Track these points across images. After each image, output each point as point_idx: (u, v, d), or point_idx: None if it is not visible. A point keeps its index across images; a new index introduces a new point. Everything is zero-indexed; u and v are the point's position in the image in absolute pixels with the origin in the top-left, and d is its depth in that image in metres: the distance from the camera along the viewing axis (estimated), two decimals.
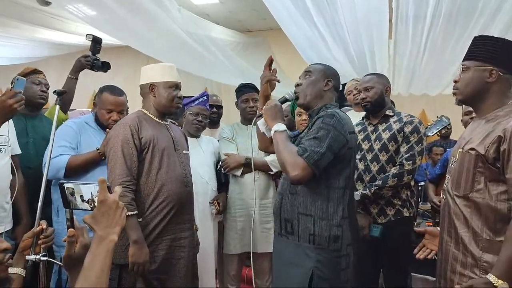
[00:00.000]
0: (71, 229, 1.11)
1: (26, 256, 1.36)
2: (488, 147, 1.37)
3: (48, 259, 1.39)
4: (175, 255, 1.87)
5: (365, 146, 2.24)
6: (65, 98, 2.30)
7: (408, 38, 3.50)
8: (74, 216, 1.15)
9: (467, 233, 1.42)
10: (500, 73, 1.41)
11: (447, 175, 1.57)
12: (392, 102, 2.54)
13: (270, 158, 2.45)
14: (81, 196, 1.11)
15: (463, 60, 1.49)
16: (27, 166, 2.19)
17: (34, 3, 4.11)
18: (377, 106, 2.22)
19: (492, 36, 1.49)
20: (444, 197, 1.58)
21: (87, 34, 2.42)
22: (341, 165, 1.57)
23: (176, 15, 3.48)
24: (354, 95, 2.82)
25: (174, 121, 2.21)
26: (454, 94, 1.57)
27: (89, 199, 1.10)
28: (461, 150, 1.49)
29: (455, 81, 1.52)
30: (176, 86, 1.93)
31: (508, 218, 1.34)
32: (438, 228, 1.60)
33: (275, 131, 1.59)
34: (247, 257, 2.59)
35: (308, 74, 1.70)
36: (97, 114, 2.22)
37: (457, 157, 1.50)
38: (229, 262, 2.56)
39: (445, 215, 1.55)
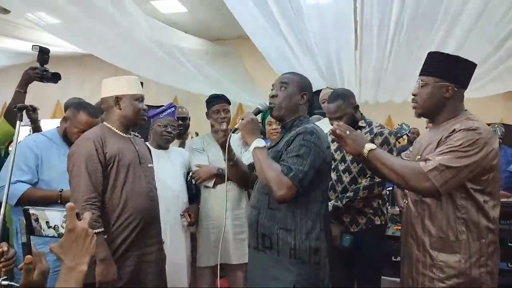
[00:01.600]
0: (28, 256, 1.04)
1: None
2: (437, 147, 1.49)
3: (10, 283, 1.32)
4: (142, 270, 1.83)
5: (337, 156, 2.26)
6: (13, 113, 2.21)
7: (373, 47, 3.61)
8: (31, 242, 1.08)
9: (424, 234, 1.55)
10: (455, 89, 1.53)
11: None
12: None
13: None
14: (47, 222, 1.05)
15: (421, 75, 1.59)
16: None
17: None
18: (352, 126, 2.23)
19: (448, 53, 1.59)
20: (406, 201, 1.68)
21: (33, 45, 2.32)
22: (319, 179, 1.57)
23: (143, 24, 3.43)
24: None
25: (137, 134, 2.16)
26: (413, 107, 1.64)
27: (55, 225, 1.05)
28: (419, 157, 1.59)
29: (414, 95, 1.61)
30: (142, 98, 1.91)
31: (456, 218, 1.47)
32: None
33: (255, 147, 1.56)
34: (222, 268, 2.56)
35: (284, 86, 1.67)
36: (67, 130, 2.13)
37: None
38: (202, 275, 2.52)
39: (407, 219, 1.66)
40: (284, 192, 1.46)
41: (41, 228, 1.05)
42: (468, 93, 1.60)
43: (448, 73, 1.53)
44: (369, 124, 2.27)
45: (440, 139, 1.49)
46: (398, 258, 2.98)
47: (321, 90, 3.19)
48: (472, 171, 1.40)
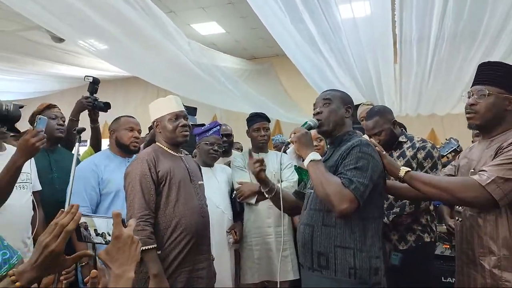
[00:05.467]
0: (94, 270, 1.11)
1: None
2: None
3: None
4: (193, 286, 1.87)
5: None
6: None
7: (413, 60, 3.56)
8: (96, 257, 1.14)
9: (485, 253, 1.45)
10: None
11: None
12: (403, 125, 2.55)
13: (284, 185, 2.47)
14: (95, 230, 1.13)
15: (481, 84, 1.52)
16: (56, 200, 2.21)
17: (49, 41, 4.27)
18: (392, 143, 2.25)
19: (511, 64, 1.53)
20: (460, 219, 1.60)
21: (85, 76, 2.47)
22: (375, 194, 1.50)
23: (186, 47, 3.58)
24: None
25: (187, 153, 2.25)
26: (470, 118, 1.55)
27: (102, 232, 1.11)
28: (472, 171, 1.53)
29: (472, 104, 1.52)
30: (177, 116, 1.95)
31: None
32: None
33: (311, 160, 1.52)
34: (264, 286, 2.57)
35: (327, 102, 1.67)
36: (117, 137, 2.32)
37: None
38: None
39: (462, 237, 1.57)
40: (346, 206, 1.39)
41: (90, 235, 1.13)
42: None
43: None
44: (411, 139, 2.24)
45: (497, 152, 1.43)
46: (449, 279, 2.87)
47: (359, 105, 3.18)
48: None
